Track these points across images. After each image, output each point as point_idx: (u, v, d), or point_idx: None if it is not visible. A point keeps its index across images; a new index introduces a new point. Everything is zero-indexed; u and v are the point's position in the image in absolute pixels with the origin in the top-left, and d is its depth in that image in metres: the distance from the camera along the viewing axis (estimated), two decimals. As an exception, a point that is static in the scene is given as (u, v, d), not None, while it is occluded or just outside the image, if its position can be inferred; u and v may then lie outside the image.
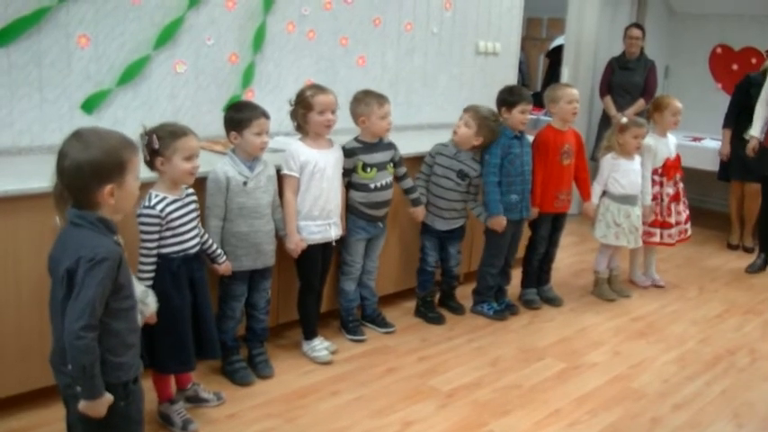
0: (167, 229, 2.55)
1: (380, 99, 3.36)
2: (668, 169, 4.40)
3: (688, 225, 4.59)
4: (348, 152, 3.35)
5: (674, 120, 4.37)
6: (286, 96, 3.34)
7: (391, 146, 3.50)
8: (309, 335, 3.36)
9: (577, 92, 4.02)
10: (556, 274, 4.40)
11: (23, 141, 3.08)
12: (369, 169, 3.37)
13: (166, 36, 3.40)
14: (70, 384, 1.83)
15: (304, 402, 2.94)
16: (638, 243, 4.32)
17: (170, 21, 3.40)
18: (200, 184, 2.78)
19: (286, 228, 3.11)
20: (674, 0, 6.79)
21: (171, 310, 2.52)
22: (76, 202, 1.82)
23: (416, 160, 3.76)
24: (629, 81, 5.86)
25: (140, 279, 2.48)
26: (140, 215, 2.51)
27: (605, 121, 5.82)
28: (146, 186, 2.42)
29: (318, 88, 3.16)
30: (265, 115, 2.91)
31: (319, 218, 3.19)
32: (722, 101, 5.76)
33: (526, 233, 4.11)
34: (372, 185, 3.39)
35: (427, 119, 4.76)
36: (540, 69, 9.05)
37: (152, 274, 2.54)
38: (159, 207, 2.52)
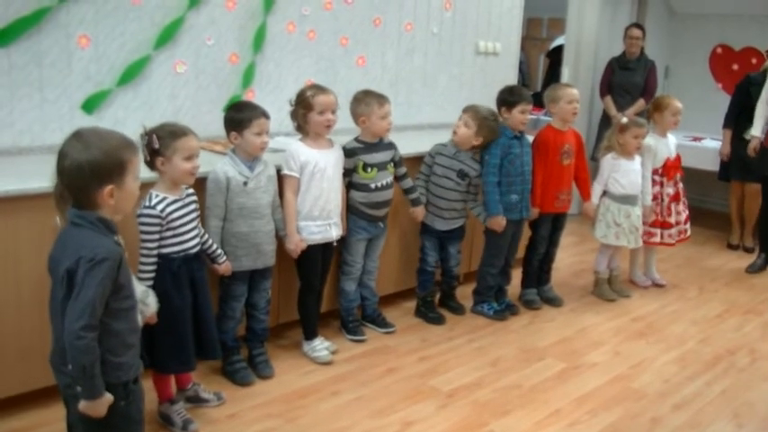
0: (168, 230, 2.55)
1: (381, 99, 3.36)
2: (668, 169, 4.40)
3: (687, 225, 4.59)
4: (349, 152, 3.35)
5: (674, 120, 4.37)
6: (286, 96, 3.34)
7: (391, 146, 3.50)
8: (310, 335, 3.36)
9: (577, 92, 4.02)
10: (556, 275, 4.41)
11: (24, 141, 3.08)
12: (369, 169, 3.38)
13: (167, 36, 3.40)
14: (70, 384, 1.83)
15: (304, 402, 2.94)
16: (638, 243, 4.32)
17: (170, 21, 3.40)
18: (200, 184, 2.78)
19: (286, 228, 3.11)
20: (675, 0, 6.79)
21: (171, 311, 2.52)
22: (77, 202, 1.82)
23: (416, 160, 3.76)
24: (629, 81, 5.87)
25: (141, 279, 2.48)
26: (141, 215, 2.51)
27: (605, 121, 5.82)
28: (146, 186, 2.43)
29: (319, 88, 3.17)
30: (265, 115, 2.92)
31: (319, 218, 3.19)
32: (722, 101, 5.76)
33: (526, 233, 4.11)
34: (373, 185, 3.39)
35: (427, 119, 4.76)
36: (541, 69, 9.06)
37: (152, 275, 2.54)
38: (160, 207, 2.52)
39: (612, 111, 5.80)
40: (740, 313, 4.26)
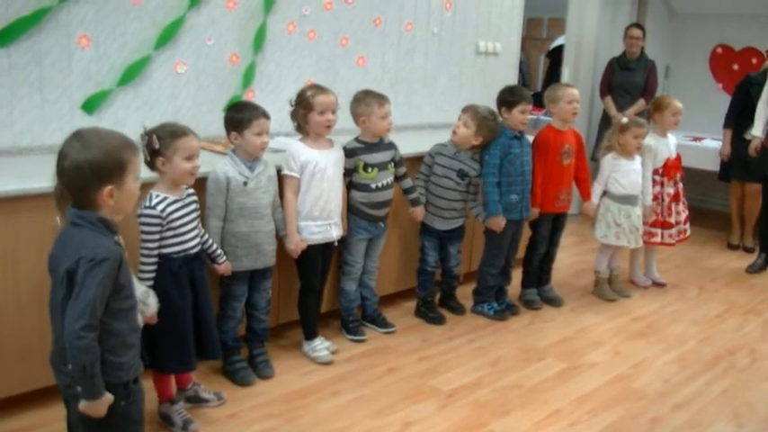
0: (168, 230, 2.55)
1: (381, 99, 3.36)
2: (669, 169, 4.40)
3: (687, 225, 4.59)
4: (349, 152, 3.35)
5: (674, 120, 4.37)
6: (286, 96, 3.34)
7: (392, 146, 3.50)
8: (310, 335, 3.36)
9: (577, 92, 4.02)
10: (556, 275, 4.41)
11: (24, 141, 3.08)
12: (370, 169, 3.38)
13: (167, 36, 3.40)
14: (70, 384, 1.83)
15: (304, 402, 2.94)
16: (638, 243, 4.32)
17: (171, 21, 3.40)
18: (200, 184, 2.78)
19: (286, 228, 3.11)
20: (675, 0, 6.79)
21: (172, 311, 2.52)
22: (77, 202, 1.82)
23: (416, 160, 3.76)
24: (629, 81, 5.87)
25: (141, 279, 2.48)
26: (141, 215, 2.51)
27: (606, 121, 5.82)
28: (146, 186, 2.43)
29: (319, 88, 3.17)
30: (266, 115, 2.92)
31: (320, 218, 3.19)
32: (723, 101, 5.76)
33: (526, 233, 4.11)
34: (373, 185, 3.39)
35: (427, 119, 4.76)
36: (541, 69, 9.06)
37: (153, 275, 2.54)
38: (160, 207, 2.52)
39: (613, 111, 5.80)
40: (740, 313, 4.26)
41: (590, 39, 6.11)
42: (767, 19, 6.32)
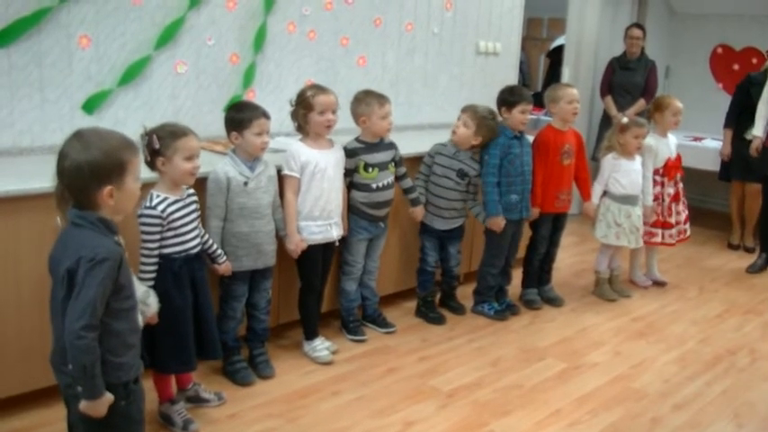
0: (169, 230, 2.55)
1: (381, 99, 3.36)
2: (669, 169, 4.40)
3: (687, 225, 4.59)
4: (350, 152, 3.35)
5: (674, 120, 4.37)
6: (287, 96, 3.34)
7: (392, 146, 3.50)
8: (310, 335, 3.36)
9: (578, 92, 4.02)
10: (556, 275, 4.41)
11: (24, 142, 3.08)
12: (371, 169, 3.38)
13: (167, 36, 3.40)
14: (71, 384, 1.83)
15: (305, 402, 2.94)
16: (638, 243, 4.32)
17: (171, 21, 3.40)
18: (200, 184, 2.78)
19: (286, 228, 3.11)
20: (675, 0, 6.79)
21: (172, 311, 2.52)
22: (77, 202, 1.82)
23: (417, 160, 3.76)
24: (629, 81, 5.87)
25: (142, 279, 2.48)
26: (141, 215, 2.51)
27: (606, 121, 5.82)
28: (147, 187, 2.43)
29: (319, 88, 3.17)
30: (266, 115, 2.92)
31: (320, 218, 3.19)
32: (723, 101, 5.75)
33: (527, 233, 4.11)
34: (374, 185, 3.39)
35: (428, 119, 4.76)
36: (541, 69, 9.06)
37: (154, 275, 2.54)
38: (161, 207, 2.52)
39: (613, 111, 5.80)
40: (740, 313, 4.26)
41: (590, 39, 6.11)
42: (767, 19, 6.32)
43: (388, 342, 3.57)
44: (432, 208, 3.74)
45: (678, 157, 4.47)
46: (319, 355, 3.30)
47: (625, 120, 4.23)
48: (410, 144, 3.86)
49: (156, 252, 2.54)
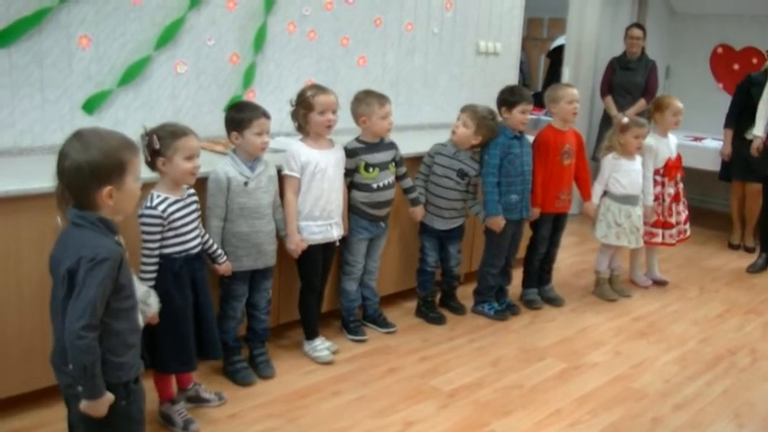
0: (169, 230, 2.55)
1: (381, 99, 3.36)
2: (669, 169, 4.40)
3: (687, 225, 4.60)
4: (350, 152, 3.35)
5: (674, 120, 4.37)
6: (287, 97, 3.34)
7: (392, 145, 3.50)
8: (311, 335, 3.36)
9: (578, 92, 4.02)
10: (557, 275, 4.41)
11: (25, 142, 3.08)
12: (371, 169, 3.38)
13: (167, 36, 3.40)
14: (71, 384, 1.83)
15: (305, 402, 2.94)
16: (639, 243, 4.32)
17: (171, 21, 3.40)
18: (201, 184, 2.78)
19: (287, 228, 3.11)
20: (675, 0, 6.79)
21: (173, 311, 2.52)
22: (77, 202, 1.82)
23: (417, 160, 3.76)
24: (629, 81, 5.87)
25: (143, 279, 2.48)
26: (142, 215, 2.51)
27: (606, 121, 5.82)
28: (147, 187, 2.43)
29: (319, 88, 3.17)
30: (266, 115, 2.92)
31: (320, 218, 3.19)
32: (723, 101, 5.76)
33: (527, 233, 4.11)
34: (375, 185, 3.39)
35: (428, 119, 4.77)
36: (541, 69, 9.06)
37: (154, 275, 2.54)
38: (161, 207, 2.52)
39: (613, 111, 5.80)
40: (741, 313, 4.26)
41: (590, 39, 6.11)
42: (767, 19, 6.32)
43: (388, 342, 3.57)
44: (431, 208, 3.74)
45: (678, 157, 4.47)
46: (320, 355, 3.30)
47: (625, 120, 4.23)
48: (410, 144, 3.86)
49: (156, 252, 2.54)
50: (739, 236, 5.63)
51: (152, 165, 2.51)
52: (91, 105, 3.23)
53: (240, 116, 2.89)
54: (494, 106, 3.81)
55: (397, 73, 4.52)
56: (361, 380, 3.16)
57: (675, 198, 4.45)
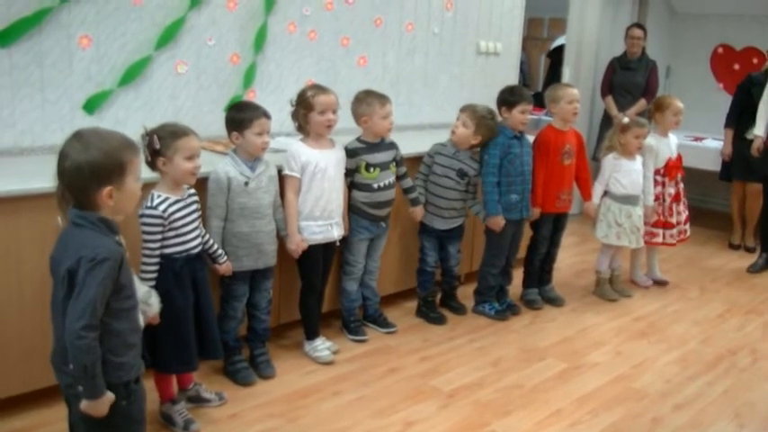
0: (170, 230, 2.55)
1: (382, 99, 3.36)
2: (670, 169, 4.40)
3: (687, 225, 4.60)
4: (351, 152, 3.35)
5: (675, 120, 4.37)
6: (287, 97, 3.34)
7: (393, 145, 3.50)
8: (311, 335, 3.36)
9: (578, 92, 4.02)
10: (557, 275, 4.40)
11: (25, 142, 3.09)
12: (372, 169, 3.38)
13: (168, 36, 3.40)
14: (72, 384, 1.83)
15: (306, 402, 2.94)
16: (639, 243, 4.32)
17: (171, 21, 3.40)
18: (201, 184, 2.78)
19: (287, 228, 3.11)
20: (676, 0, 6.79)
21: (174, 311, 2.52)
22: (77, 202, 1.82)
23: (417, 160, 3.76)
24: (630, 81, 5.87)
25: (143, 279, 2.48)
26: (143, 216, 2.51)
27: (606, 121, 5.82)
28: (148, 187, 2.43)
29: (319, 88, 3.17)
30: (267, 115, 2.92)
31: (320, 218, 3.19)
32: (724, 101, 5.75)
33: (527, 233, 4.11)
34: (376, 185, 3.39)
35: (428, 119, 4.76)
36: (542, 69, 9.06)
37: (155, 275, 2.54)
38: (162, 207, 2.52)
39: (614, 111, 5.80)
40: (741, 313, 4.26)
41: (591, 39, 6.11)
42: (767, 19, 6.32)
43: (388, 342, 3.57)
44: (431, 208, 3.74)
45: (679, 157, 4.47)
46: (320, 355, 3.30)
47: (626, 120, 4.23)
48: (410, 144, 3.85)
49: (157, 252, 2.54)
50: (740, 236, 5.63)
51: (152, 165, 2.51)
52: (91, 105, 3.23)
53: (241, 116, 2.89)
54: (494, 106, 3.80)
55: (397, 73, 4.52)
56: (361, 380, 3.16)
57: (676, 198, 4.45)
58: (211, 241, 2.81)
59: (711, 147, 5.81)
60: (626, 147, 4.17)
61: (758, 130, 5.06)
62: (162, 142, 2.47)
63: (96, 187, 1.79)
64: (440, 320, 3.83)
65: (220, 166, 2.90)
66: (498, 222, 3.76)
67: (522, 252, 4.15)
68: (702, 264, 5.19)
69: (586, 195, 4.18)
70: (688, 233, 4.62)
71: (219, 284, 3.00)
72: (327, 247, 3.29)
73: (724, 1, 6.42)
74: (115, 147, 1.82)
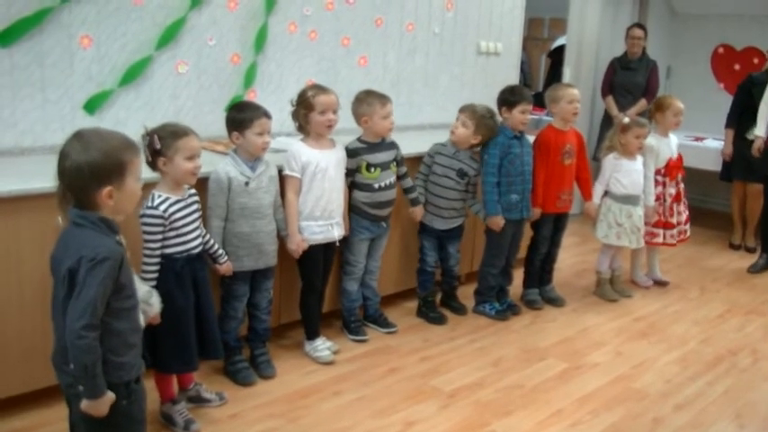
0: (171, 230, 2.55)
1: (383, 99, 3.36)
2: (671, 169, 4.40)
3: (687, 226, 4.60)
4: (352, 152, 3.35)
5: (675, 120, 4.37)
6: (288, 97, 3.34)
7: (393, 145, 3.50)
8: (312, 335, 3.36)
9: (578, 92, 4.02)
10: (558, 275, 4.40)
11: (26, 142, 3.09)
12: (373, 169, 3.38)
13: (168, 36, 3.40)
14: (72, 384, 1.83)
15: (306, 402, 2.94)
16: (639, 243, 4.31)
17: (172, 21, 3.40)
18: (201, 184, 2.78)
19: (288, 228, 3.11)
20: (676, 0, 6.79)
21: (174, 311, 2.52)
22: (77, 202, 1.82)
23: (418, 160, 3.76)
24: (630, 81, 5.86)
25: (144, 279, 2.48)
26: (143, 216, 2.51)
27: (607, 121, 5.82)
28: (148, 187, 2.43)
29: (320, 88, 3.17)
30: (267, 115, 2.92)
31: (321, 218, 3.19)
32: (724, 101, 5.75)
33: (528, 233, 4.11)
34: (376, 185, 3.39)
35: (428, 119, 4.76)
36: (542, 69, 9.06)
37: (156, 275, 2.54)
38: (162, 207, 2.52)
39: (614, 111, 5.79)
40: (742, 313, 4.26)
41: (591, 39, 6.11)
42: (768, 19, 6.33)
43: (389, 342, 3.57)
44: (431, 208, 3.74)
45: (679, 157, 4.47)
46: (321, 355, 3.30)
47: (626, 120, 4.23)
48: (411, 144, 3.85)
49: (157, 252, 2.54)
50: (740, 236, 5.63)
51: (153, 165, 2.51)
52: (92, 105, 3.23)
53: (241, 116, 2.89)
54: (494, 106, 3.80)
55: (397, 73, 4.52)
56: (361, 380, 3.16)
57: (676, 198, 4.45)
58: (212, 241, 2.81)
59: (712, 147, 5.81)
60: (626, 147, 4.17)
61: (759, 131, 5.06)
62: (162, 142, 2.47)
63: (96, 187, 1.79)
64: (440, 320, 3.83)
65: (221, 166, 2.90)
66: (498, 222, 3.76)
67: (522, 252, 4.15)
68: (703, 264, 5.19)
69: (587, 195, 4.18)
70: (688, 233, 4.62)
71: (220, 284, 3.00)
72: (328, 248, 3.29)
73: (724, 1, 6.42)
74: (115, 147, 1.82)
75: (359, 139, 3.42)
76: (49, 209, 2.21)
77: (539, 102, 4.96)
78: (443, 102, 4.82)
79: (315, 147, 3.17)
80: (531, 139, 3.97)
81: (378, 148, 3.41)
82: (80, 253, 1.75)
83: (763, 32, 6.29)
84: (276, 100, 3.79)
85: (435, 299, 3.94)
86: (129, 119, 3.33)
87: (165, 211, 2.52)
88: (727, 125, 5.46)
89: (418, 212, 3.69)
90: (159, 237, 2.53)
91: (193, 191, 2.67)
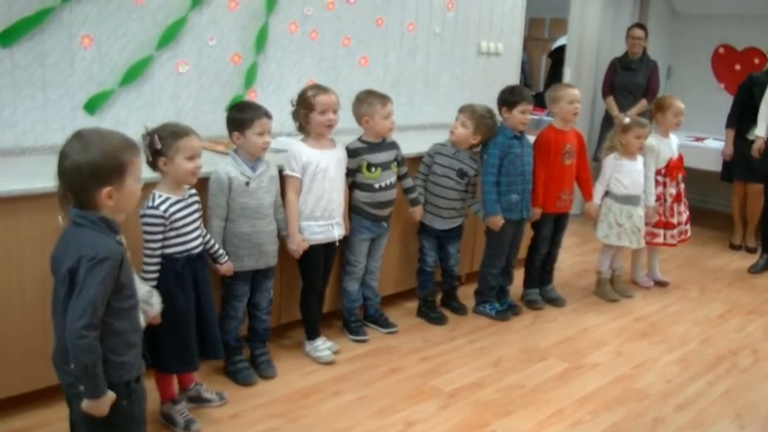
0: (171, 230, 2.55)
1: (383, 99, 3.36)
2: (671, 170, 4.40)
3: (688, 226, 4.60)
4: (352, 152, 3.35)
5: (676, 120, 4.37)
6: (288, 96, 3.34)
7: (394, 145, 3.50)
8: (312, 335, 3.36)
9: (578, 92, 4.02)
10: (558, 275, 4.40)
11: (27, 141, 3.09)
12: (373, 169, 3.38)
13: (169, 36, 3.40)
14: (73, 383, 1.83)
15: (307, 402, 2.94)
16: (640, 244, 4.31)
17: (173, 21, 3.40)
18: (202, 184, 2.79)
19: (288, 228, 3.11)
20: (677, 0, 6.78)
21: (175, 311, 2.52)
22: (77, 202, 1.82)
23: (418, 160, 3.76)
24: (631, 81, 5.86)
25: (145, 279, 2.48)
26: (144, 216, 2.51)
27: (607, 121, 5.82)
28: (149, 187, 2.43)
29: (320, 88, 3.17)
30: (268, 115, 2.92)
31: (321, 218, 3.19)
32: (725, 101, 5.76)
33: (528, 233, 4.11)
34: (377, 185, 3.39)
35: (429, 119, 4.76)
36: (543, 70, 9.06)
37: (156, 275, 2.54)
38: (163, 207, 2.52)
39: (615, 111, 5.79)
40: (742, 314, 4.26)
41: (592, 39, 6.11)
42: (769, 19, 6.33)
43: (389, 342, 3.57)
44: (431, 208, 3.74)
45: (680, 158, 4.47)
46: (321, 355, 3.30)
47: (627, 120, 4.23)
48: (411, 144, 3.85)
49: (158, 252, 2.54)
50: (741, 236, 5.63)
51: (153, 165, 2.51)
52: (92, 105, 3.23)
53: (242, 116, 2.89)
54: (495, 106, 3.80)
55: (398, 73, 4.52)
56: (362, 380, 3.16)
57: (677, 198, 4.44)
58: (212, 241, 2.81)
59: (712, 147, 5.81)
60: (627, 147, 4.17)
61: (759, 131, 5.06)
62: (163, 142, 2.47)
63: (96, 187, 1.79)
64: (440, 320, 3.83)
65: (221, 166, 2.90)
66: (497, 222, 3.76)
67: (522, 252, 4.15)
68: (703, 264, 5.19)
69: (587, 195, 4.18)
70: (689, 233, 4.62)
71: (220, 284, 3.00)
72: (328, 247, 3.29)
73: (725, 1, 6.42)
74: (115, 147, 1.82)
75: (359, 139, 3.42)
76: (49, 209, 2.21)
77: (539, 102, 4.96)
78: (444, 102, 4.82)
79: (315, 147, 3.17)
80: (531, 139, 3.97)
81: (378, 148, 3.41)
82: (80, 252, 1.75)
83: (764, 33, 6.29)
84: (277, 100, 3.79)
85: (435, 299, 3.94)
86: (130, 119, 3.33)
87: (165, 211, 2.52)
88: (728, 125, 5.46)
89: (418, 212, 3.69)
90: (160, 237, 2.53)
91: (194, 191, 2.67)
